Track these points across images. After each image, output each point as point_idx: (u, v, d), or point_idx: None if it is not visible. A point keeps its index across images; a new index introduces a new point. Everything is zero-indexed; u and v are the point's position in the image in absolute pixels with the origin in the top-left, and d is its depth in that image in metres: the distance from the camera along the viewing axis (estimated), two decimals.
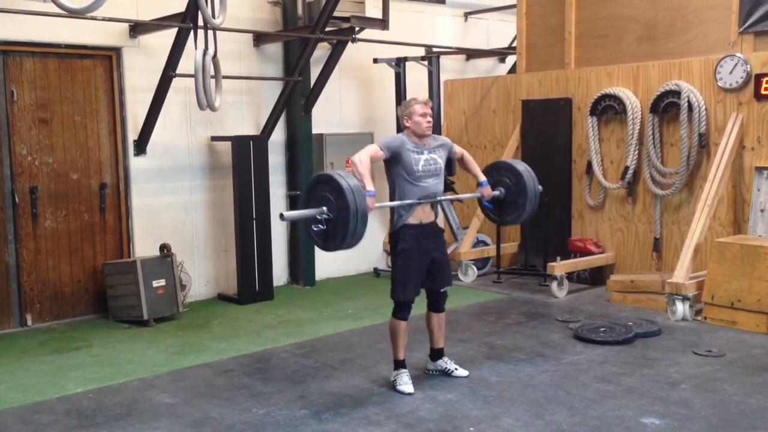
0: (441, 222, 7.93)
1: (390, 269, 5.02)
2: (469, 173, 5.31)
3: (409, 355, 5.13)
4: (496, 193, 5.30)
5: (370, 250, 8.69)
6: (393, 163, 4.81)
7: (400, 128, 8.26)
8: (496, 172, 5.40)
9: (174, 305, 6.87)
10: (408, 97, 8.28)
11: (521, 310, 7.02)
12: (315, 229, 4.42)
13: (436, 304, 5.09)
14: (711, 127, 7.05)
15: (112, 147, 7.11)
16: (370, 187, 4.54)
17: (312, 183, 4.58)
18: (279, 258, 8.10)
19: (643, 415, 4.42)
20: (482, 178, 5.26)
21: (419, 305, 5.05)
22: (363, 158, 4.66)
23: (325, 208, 4.38)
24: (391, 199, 4.87)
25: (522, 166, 5.37)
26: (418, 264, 4.83)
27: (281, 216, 4.47)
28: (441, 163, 4.93)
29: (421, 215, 4.85)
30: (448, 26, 9.71)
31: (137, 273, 6.63)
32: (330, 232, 4.39)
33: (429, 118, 4.84)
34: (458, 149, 5.19)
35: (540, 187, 5.36)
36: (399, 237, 4.83)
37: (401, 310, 4.87)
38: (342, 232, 4.33)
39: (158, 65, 6.75)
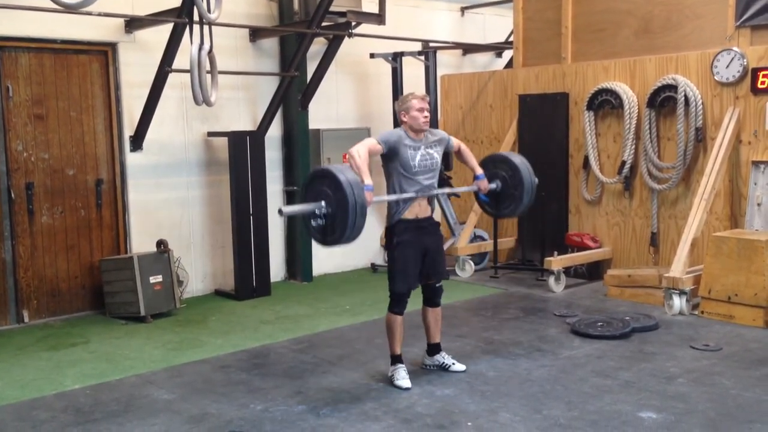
0: (437, 217, 7.95)
1: (387, 264, 5.02)
2: (466, 165, 5.30)
3: (406, 350, 5.14)
4: (493, 186, 5.29)
5: (367, 246, 8.68)
6: (390, 159, 4.81)
7: (397, 123, 8.34)
8: (492, 164, 5.40)
9: (171, 301, 6.86)
10: (405, 92, 8.30)
11: (518, 305, 7.02)
12: (314, 224, 4.41)
13: (431, 298, 5.09)
14: (708, 121, 7.06)
15: (108, 143, 7.09)
16: (368, 180, 4.52)
17: (309, 178, 4.57)
18: (276, 254, 8.09)
19: (641, 409, 4.42)
20: (479, 171, 5.25)
21: (415, 301, 5.05)
22: (361, 151, 4.64)
23: (323, 203, 4.36)
24: (389, 194, 4.87)
25: (518, 159, 5.37)
26: (415, 255, 4.84)
27: (280, 211, 4.43)
28: (437, 158, 4.94)
29: (417, 210, 4.87)
30: (444, 21, 9.69)
31: (134, 269, 6.62)
32: (329, 226, 4.38)
33: (426, 113, 4.83)
34: (455, 142, 5.18)
35: (536, 179, 5.36)
36: (395, 231, 4.84)
37: (397, 305, 4.88)
38: (341, 226, 4.32)
39: (154, 61, 6.73)
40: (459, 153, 5.23)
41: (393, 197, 4.80)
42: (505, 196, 5.33)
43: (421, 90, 8.24)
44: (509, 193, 5.30)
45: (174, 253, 7.04)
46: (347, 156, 4.67)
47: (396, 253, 4.84)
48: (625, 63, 7.63)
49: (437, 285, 5.06)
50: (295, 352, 5.73)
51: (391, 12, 7.95)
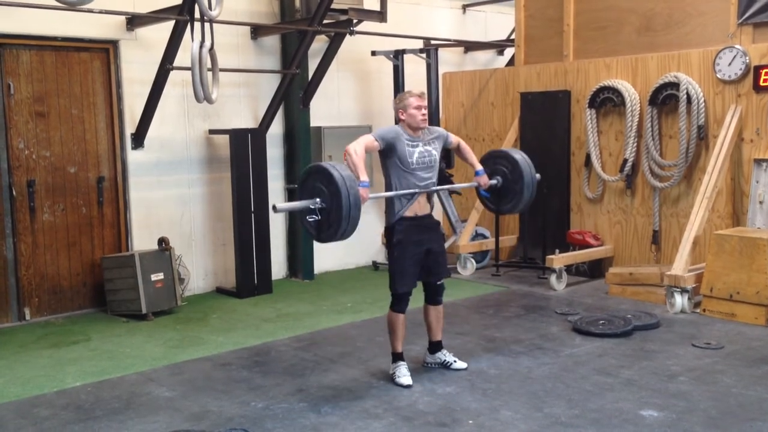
0: (439, 215, 7.95)
1: (388, 263, 5.01)
2: (466, 162, 5.29)
3: (407, 348, 5.13)
4: (494, 182, 5.29)
5: (368, 244, 8.68)
6: (388, 155, 4.81)
7: (398, 121, 8.33)
8: (492, 161, 5.39)
9: (172, 299, 6.86)
10: (406, 90, 8.30)
11: (520, 302, 7.02)
12: (309, 220, 4.42)
13: (433, 296, 5.08)
14: (710, 119, 7.04)
15: (110, 140, 7.09)
16: (364, 177, 4.54)
17: (305, 174, 4.58)
18: (277, 251, 8.09)
19: (642, 407, 4.42)
20: (479, 167, 5.25)
21: (417, 298, 5.05)
22: (357, 148, 4.64)
23: (318, 199, 4.38)
24: (387, 190, 4.87)
25: (518, 155, 5.36)
26: (414, 255, 4.83)
27: (274, 208, 4.44)
28: (436, 155, 4.93)
29: (417, 208, 4.86)
30: (446, 18, 9.68)
31: (135, 267, 6.61)
32: (324, 222, 4.40)
33: (424, 111, 4.83)
34: (454, 139, 5.17)
35: (538, 175, 5.34)
36: (395, 229, 4.83)
37: (399, 303, 4.87)
38: (336, 221, 4.33)
39: (155, 58, 6.72)
40: (458, 150, 5.23)
41: (392, 193, 4.80)
42: (506, 191, 5.31)
43: (422, 87, 8.28)
44: (510, 188, 5.29)
45: (175, 250, 7.04)
46: (345, 153, 4.67)
47: (396, 253, 4.84)
48: (627, 61, 7.62)
49: (438, 283, 5.05)
50: (296, 349, 5.73)
51: (392, 9, 7.94)
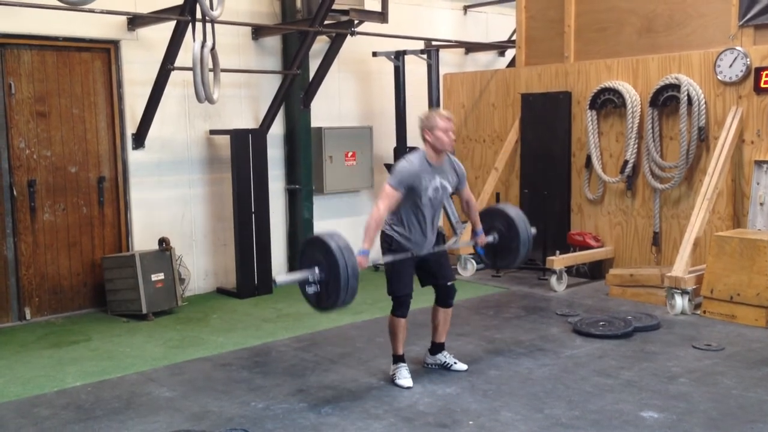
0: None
1: (384, 267, 5.00)
2: (469, 219, 5.28)
3: (408, 349, 5.13)
4: (490, 239, 5.31)
5: None
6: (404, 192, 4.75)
7: (399, 122, 8.36)
8: (489, 218, 5.41)
9: (173, 299, 6.86)
10: (407, 91, 8.32)
11: (520, 304, 7.02)
12: (309, 291, 4.42)
13: (444, 299, 5.07)
14: (710, 120, 7.04)
15: (111, 140, 7.10)
16: (367, 246, 4.53)
17: (303, 247, 4.60)
18: (278, 252, 8.08)
19: (642, 408, 4.42)
20: (479, 227, 5.26)
21: (417, 300, 5.05)
22: (382, 211, 4.59)
23: (316, 269, 4.37)
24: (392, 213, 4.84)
25: (514, 212, 5.38)
26: (411, 259, 4.82)
27: (273, 282, 4.46)
28: (449, 189, 4.91)
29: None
30: (447, 19, 9.68)
31: (136, 267, 6.62)
32: (323, 292, 4.40)
33: (451, 134, 4.75)
34: (468, 191, 5.14)
35: (533, 229, 5.37)
36: (393, 239, 4.83)
37: (400, 307, 4.86)
38: (335, 292, 4.33)
39: (156, 58, 6.73)
40: (467, 205, 5.19)
41: (389, 258, 4.79)
42: (502, 249, 5.35)
43: (423, 88, 8.29)
44: (506, 245, 5.32)
45: (176, 250, 7.04)
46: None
47: (392, 256, 4.83)
48: (627, 62, 7.62)
49: (449, 284, 5.04)
50: (296, 350, 5.73)
51: (393, 10, 7.94)
